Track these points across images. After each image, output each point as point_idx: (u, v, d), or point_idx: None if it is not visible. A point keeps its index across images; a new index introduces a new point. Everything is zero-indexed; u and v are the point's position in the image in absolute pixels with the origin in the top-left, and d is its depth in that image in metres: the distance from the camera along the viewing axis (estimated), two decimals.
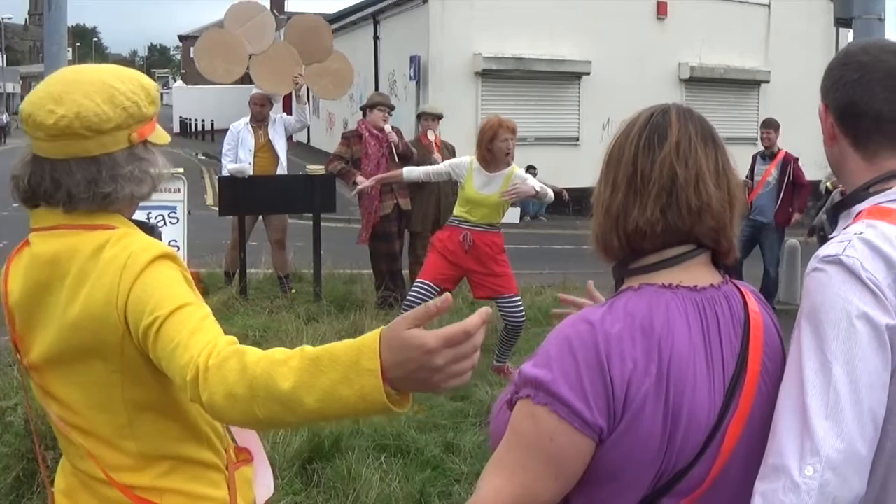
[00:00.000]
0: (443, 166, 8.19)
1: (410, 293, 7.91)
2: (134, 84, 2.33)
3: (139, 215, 2.50)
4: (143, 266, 2.16)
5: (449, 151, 11.23)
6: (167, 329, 2.04)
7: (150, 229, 2.43)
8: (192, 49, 14.85)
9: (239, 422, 1.91)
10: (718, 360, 1.93)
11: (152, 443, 2.33)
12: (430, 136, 11.01)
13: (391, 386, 1.73)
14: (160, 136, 2.42)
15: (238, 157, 11.04)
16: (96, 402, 2.29)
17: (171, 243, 9.27)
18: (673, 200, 1.96)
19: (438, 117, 11.28)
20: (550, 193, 8.04)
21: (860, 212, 2.06)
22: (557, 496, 1.90)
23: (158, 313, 2.07)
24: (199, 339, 2.00)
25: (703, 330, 1.93)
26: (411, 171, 8.37)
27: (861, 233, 1.95)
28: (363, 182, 8.75)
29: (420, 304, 7.23)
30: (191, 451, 2.40)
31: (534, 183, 7.83)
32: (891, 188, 2.07)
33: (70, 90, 2.23)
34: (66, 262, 2.23)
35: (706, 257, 2.04)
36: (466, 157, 8.10)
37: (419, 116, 11.43)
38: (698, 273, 2.01)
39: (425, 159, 10.56)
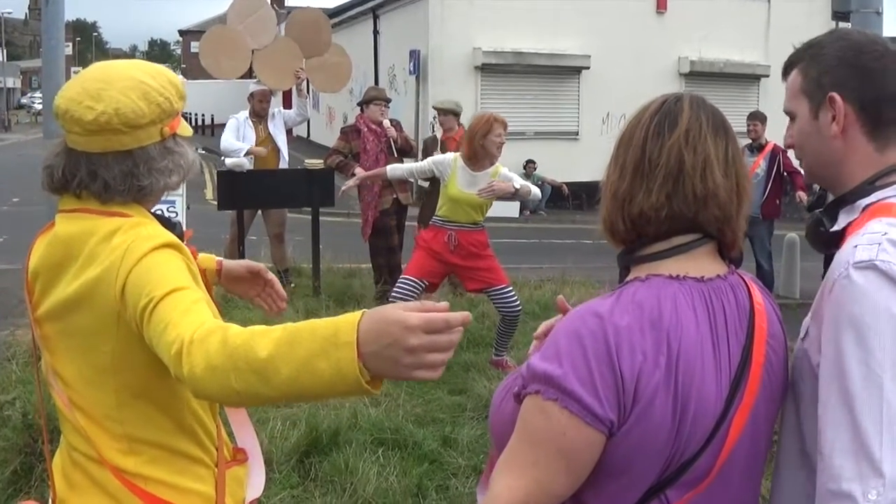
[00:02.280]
0: (426, 163, 8.09)
1: (396, 288, 7.91)
2: (163, 80, 2.44)
3: None
4: (146, 251, 2.24)
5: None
6: (160, 310, 2.10)
7: (171, 226, 2.50)
8: (192, 44, 14.94)
9: (217, 395, 1.91)
10: (725, 351, 1.93)
11: (138, 428, 2.39)
12: (439, 131, 10.94)
13: (364, 363, 1.73)
14: (185, 128, 2.53)
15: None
16: (89, 379, 2.38)
17: None
18: (679, 187, 1.96)
19: (449, 112, 10.92)
20: (535, 191, 7.97)
21: (866, 207, 2.01)
22: (570, 490, 1.90)
23: (154, 294, 2.13)
24: (189, 319, 2.03)
25: (710, 322, 1.93)
26: (395, 169, 8.30)
27: (886, 233, 1.88)
28: (348, 183, 8.65)
29: (405, 298, 7.18)
30: (177, 443, 2.45)
31: (517, 182, 7.76)
32: (894, 182, 2.03)
33: (106, 87, 2.33)
34: (79, 244, 2.32)
35: (712, 247, 2.03)
36: (450, 155, 8.04)
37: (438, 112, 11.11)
38: (705, 263, 2.01)
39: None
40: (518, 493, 1.87)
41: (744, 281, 2.06)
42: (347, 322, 1.75)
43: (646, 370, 1.83)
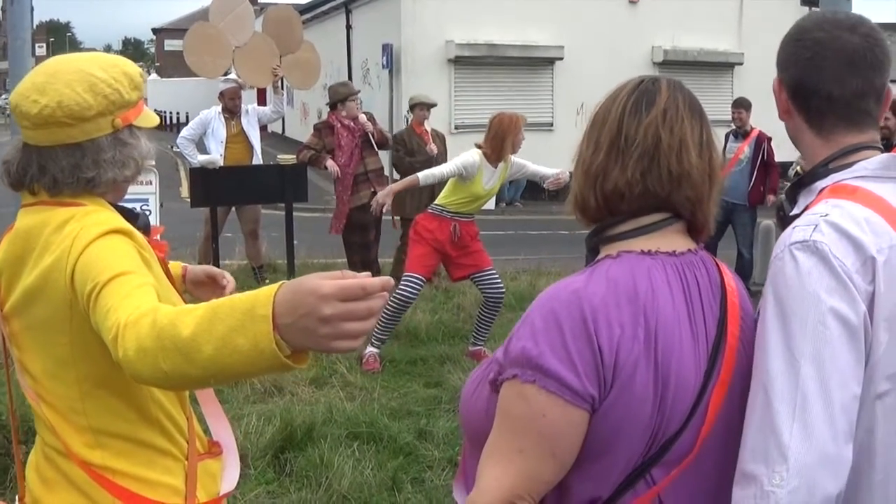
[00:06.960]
0: (454, 167, 7.83)
1: (402, 287, 7.79)
2: (116, 71, 2.41)
3: None
4: (94, 237, 2.24)
5: (440, 139, 11.26)
6: (103, 295, 2.08)
7: (134, 217, 2.50)
8: (166, 42, 14.93)
9: (149, 377, 1.86)
10: (701, 323, 1.93)
11: (102, 420, 2.38)
12: (427, 126, 11.09)
13: (281, 336, 1.65)
14: (147, 119, 2.51)
15: (208, 148, 11.04)
16: (52, 373, 2.38)
17: None
18: (654, 165, 1.96)
19: (431, 106, 11.37)
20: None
21: (822, 189, 2.02)
22: (558, 475, 1.87)
23: (98, 280, 2.11)
24: (128, 302, 2.00)
25: (685, 294, 1.93)
26: (427, 177, 7.95)
27: (827, 214, 1.88)
28: (387, 200, 7.98)
29: (412, 298, 7.31)
30: (142, 435, 2.43)
31: (536, 168, 8.11)
32: (851, 164, 2.02)
33: (52, 80, 2.33)
34: (36, 235, 2.34)
35: (682, 226, 2.03)
36: (474, 154, 7.86)
37: (412, 107, 11.48)
38: (675, 240, 2.00)
39: (420, 149, 10.67)
40: (506, 485, 1.84)
41: (712, 258, 2.07)
42: (264, 294, 1.68)
43: (624, 343, 1.82)
